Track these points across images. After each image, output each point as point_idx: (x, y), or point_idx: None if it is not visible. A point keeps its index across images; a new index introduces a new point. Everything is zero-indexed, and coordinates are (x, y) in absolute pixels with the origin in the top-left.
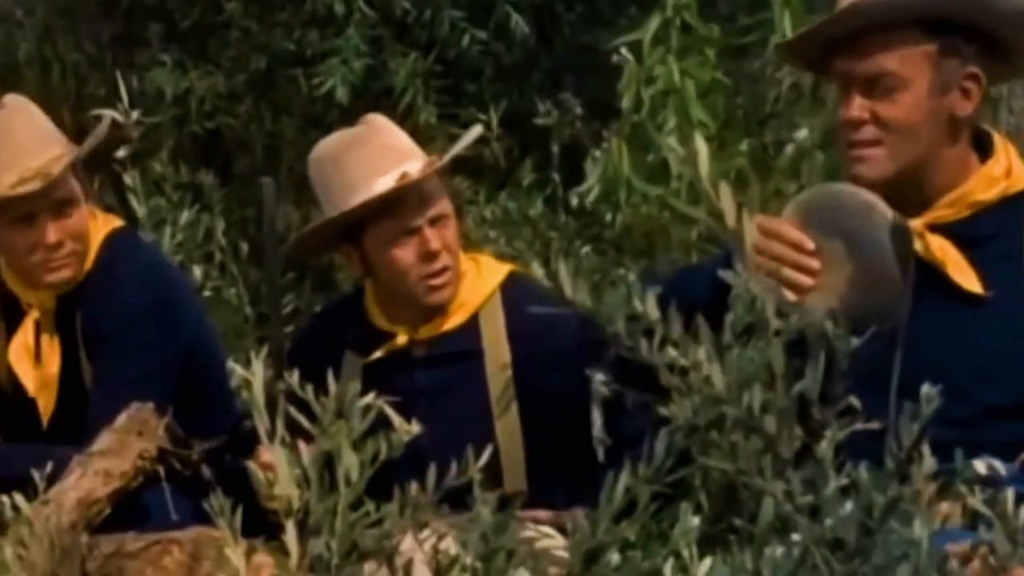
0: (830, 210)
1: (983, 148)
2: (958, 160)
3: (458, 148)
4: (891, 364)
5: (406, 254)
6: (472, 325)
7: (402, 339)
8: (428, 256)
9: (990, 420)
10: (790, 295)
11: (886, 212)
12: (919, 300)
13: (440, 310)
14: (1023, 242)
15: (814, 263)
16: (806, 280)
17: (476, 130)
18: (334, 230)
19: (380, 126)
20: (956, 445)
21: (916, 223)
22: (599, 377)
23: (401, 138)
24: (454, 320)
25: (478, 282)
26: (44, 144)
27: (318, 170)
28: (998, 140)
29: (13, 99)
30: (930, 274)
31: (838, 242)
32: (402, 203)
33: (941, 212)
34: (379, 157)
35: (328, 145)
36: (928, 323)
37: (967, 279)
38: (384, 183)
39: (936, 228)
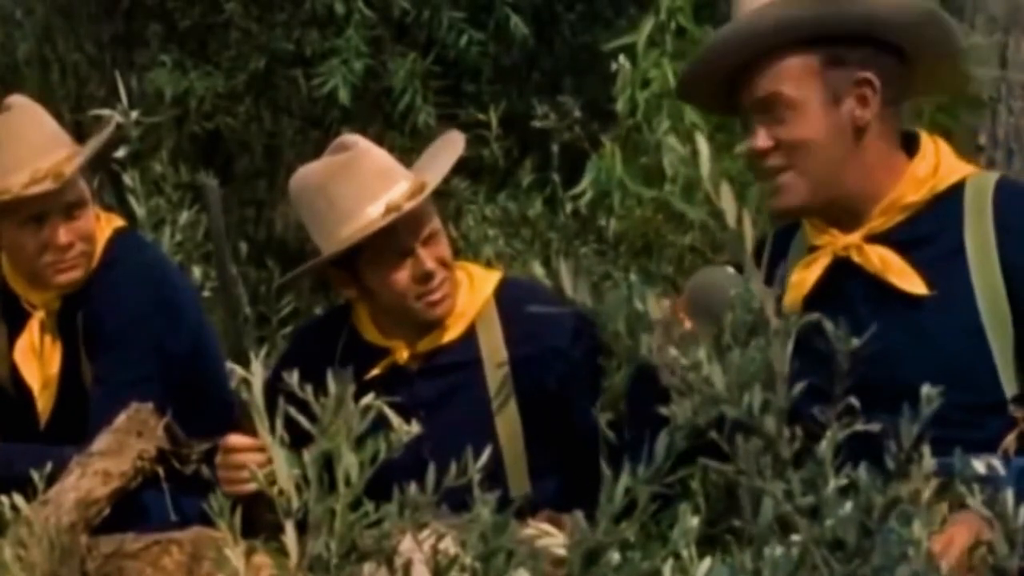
0: (706, 296)
1: (913, 150)
2: (884, 167)
3: (438, 180)
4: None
5: (403, 276)
6: (469, 335)
7: (403, 355)
8: (425, 277)
9: (962, 420)
10: None
11: None
12: (870, 313)
13: (438, 323)
14: (962, 237)
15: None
16: None
17: (447, 164)
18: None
19: (364, 150)
20: (934, 445)
21: (853, 237)
22: (605, 416)
23: (386, 160)
24: (452, 332)
25: (472, 292)
26: (52, 145)
27: (306, 199)
28: (925, 139)
29: (19, 100)
30: (877, 286)
31: (714, 328)
32: (395, 229)
33: (875, 223)
34: (368, 183)
35: (313, 173)
36: (882, 334)
37: (910, 282)
38: (375, 209)
39: (875, 238)
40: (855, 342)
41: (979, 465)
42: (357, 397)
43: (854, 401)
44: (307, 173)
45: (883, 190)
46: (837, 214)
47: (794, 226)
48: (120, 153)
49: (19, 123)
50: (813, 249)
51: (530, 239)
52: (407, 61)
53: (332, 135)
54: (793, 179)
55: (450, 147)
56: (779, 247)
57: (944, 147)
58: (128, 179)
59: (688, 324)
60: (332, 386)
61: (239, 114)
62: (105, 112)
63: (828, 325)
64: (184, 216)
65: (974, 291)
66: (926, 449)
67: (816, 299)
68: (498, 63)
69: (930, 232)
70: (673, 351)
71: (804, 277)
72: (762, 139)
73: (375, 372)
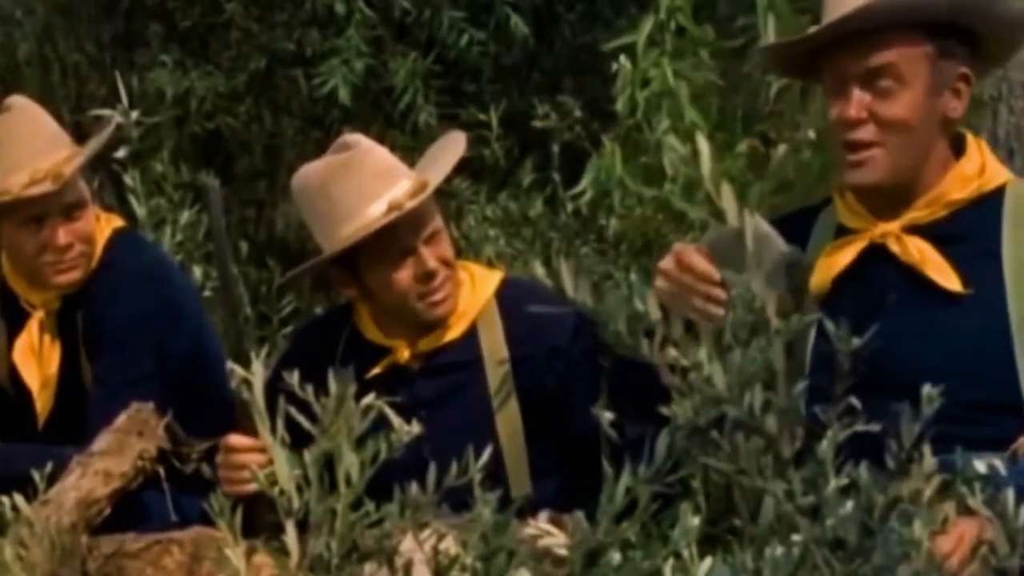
0: (732, 242)
1: (958, 148)
2: (940, 161)
3: (439, 179)
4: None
5: (404, 276)
6: (470, 335)
7: (404, 354)
8: (427, 276)
9: (976, 418)
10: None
11: (781, 246)
12: (899, 302)
13: (439, 323)
14: (1000, 238)
15: (722, 294)
16: (716, 310)
17: (449, 164)
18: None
19: (365, 149)
20: (944, 441)
21: (892, 225)
22: (607, 415)
23: (387, 159)
24: (453, 332)
25: (473, 292)
26: (52, 145)
27: (307, 198)
28: (971, 139)
29: (19, 101)
30: (910, 276)
31: (740, 274)
32: (397, 228)
33: (917, 213)
34: (369, 183)
35: (315, 173)
36: (910, 324)
37: (946, 278)
38: (377, 208)
39: (913, 229)
40: (856, 342)
41: (980, 464)
42: (358, 397)
43: (854, 401)
44: (308, 172)
45: (933, 183)
46: (885, 199)
47: (815, 208)
48: (120, 153)
49: (19, 123)
50: (843, 230)
51: (531, 239)
52: (408, 61)
53: (333, 135)
54: (880, 155)
55: (452, 147)
56: (802, 225)
57: (987, 149)
58: (128, 179)
59: (712, 270)
60: (333, 386)
61: (240, 114)
62: (105, 112)
63: (829, 325)
64: (185, 216)
65: (1006, 294)
66: (927, 448)
67: (846, 281)
68: (498, 63)
69: (968, 231)
70: (673, 351)
71: (836, 259)
72: (856, 109)
73: (376, 371)
